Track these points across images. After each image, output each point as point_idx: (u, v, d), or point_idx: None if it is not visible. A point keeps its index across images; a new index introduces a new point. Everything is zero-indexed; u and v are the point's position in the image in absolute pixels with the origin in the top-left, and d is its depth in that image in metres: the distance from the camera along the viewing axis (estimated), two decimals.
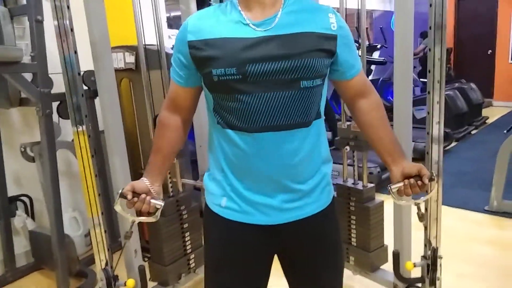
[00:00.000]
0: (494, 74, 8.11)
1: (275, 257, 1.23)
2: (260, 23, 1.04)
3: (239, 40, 1.02)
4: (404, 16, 1.75)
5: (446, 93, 2.29)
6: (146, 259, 2.20)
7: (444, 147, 4.69)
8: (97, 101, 2.39)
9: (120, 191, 1.12)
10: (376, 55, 6.42)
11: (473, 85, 6.39)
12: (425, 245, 1.73)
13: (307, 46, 1.03)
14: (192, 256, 2.21)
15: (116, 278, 1.68)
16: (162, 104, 1.21)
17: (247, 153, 1.06)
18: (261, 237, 1.14)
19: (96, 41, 1.67)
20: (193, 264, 2.22)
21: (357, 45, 1.65)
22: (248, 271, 1.18)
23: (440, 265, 1.68)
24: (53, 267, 2.36)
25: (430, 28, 1.56)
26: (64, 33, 1.47)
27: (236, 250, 1.16)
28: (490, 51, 8.13)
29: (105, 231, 1.65)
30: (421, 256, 1.75)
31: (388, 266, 2.04)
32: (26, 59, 2.24)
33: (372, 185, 2.12)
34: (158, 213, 1.16)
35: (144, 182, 1.16)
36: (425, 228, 1.70)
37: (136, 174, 2.63)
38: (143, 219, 1.16)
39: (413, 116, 1.88)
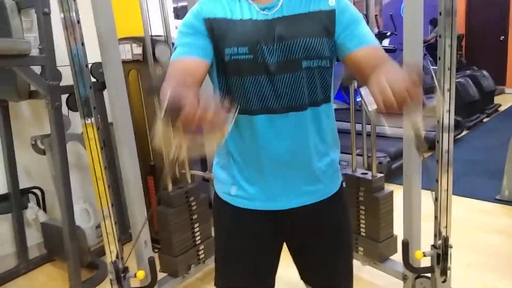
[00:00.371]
0: (507, 60, 7.95)
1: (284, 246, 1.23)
2: (266, 6, 1.05)
3: (249, 21, 1.04)
4: (414, 2, 1.71)
5: (457, 80, 2.24)
6: (155, 250, 2.22)
7: (455, 135, 4.66)
8: (105, 93, 2.39)
9: (163, 108, 0.73)
10: (386, 42, 6.32)
11: (485, 72, 6.27)
12: (435, 235, 1.72)
13: (309, 26, 1.03)
14: (202, 247, 2.23)
15: (126, 269, 1.69)
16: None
17: (256, 137, 1.05)
18: (270, 224, 1.14)
19: (103, 33, 1.67)
20: (203, 255, 2.24)
21: None
22: (258, 258, 1.19)
23: (451, 254, 1.67)
24: (65, 258, 2.39)
25: (440, 13, 1.53)
26: (71, 25, 1.47)
27: (246, 238, 1.17)
28: (502, 37, 7.95)
29: (115, 223, 1.66)
30: (431, 245, 1.74)
31: (397, 257, 2.03)
32: (35, 52, 2.24)
33: (381, 175, 2.11)
34: (229, 124, 0.77)
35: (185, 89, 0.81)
36: (435, 217, 1.70)
37: (145, 165, 2.65)
38: (210, 137, 0.73)
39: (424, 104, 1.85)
